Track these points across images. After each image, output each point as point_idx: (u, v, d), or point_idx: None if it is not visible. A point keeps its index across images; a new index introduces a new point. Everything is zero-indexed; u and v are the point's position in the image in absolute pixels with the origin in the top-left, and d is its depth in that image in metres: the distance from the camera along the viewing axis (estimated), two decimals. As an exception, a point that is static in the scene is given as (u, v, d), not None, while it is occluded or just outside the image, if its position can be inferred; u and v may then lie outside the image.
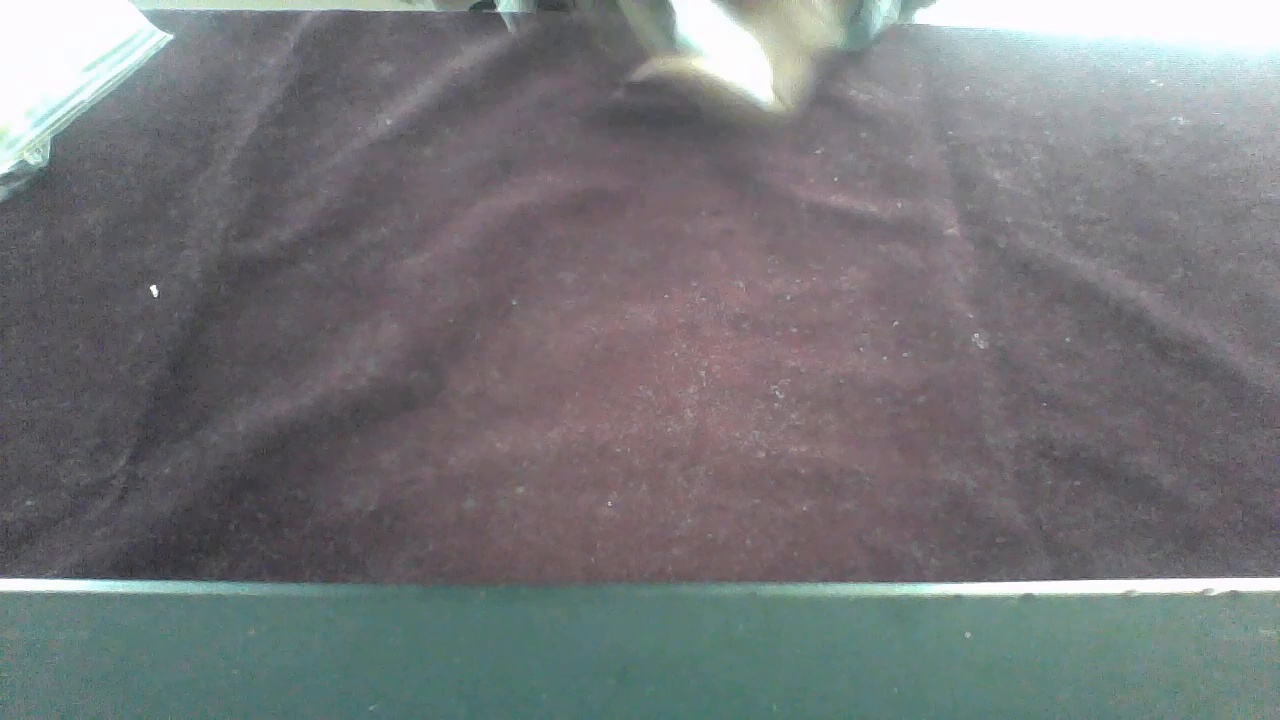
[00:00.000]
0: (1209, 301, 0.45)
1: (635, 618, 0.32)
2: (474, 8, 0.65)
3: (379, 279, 0.46)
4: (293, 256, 0.46)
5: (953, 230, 0.48)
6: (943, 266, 0.46)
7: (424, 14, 0.59)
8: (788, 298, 0.45)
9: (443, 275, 0.45)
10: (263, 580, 0.35)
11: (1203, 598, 0.32)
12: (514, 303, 0.45)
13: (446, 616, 0.32)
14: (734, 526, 0.37)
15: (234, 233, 0.47)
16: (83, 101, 0.52)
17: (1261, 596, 0.32)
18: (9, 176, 0.48)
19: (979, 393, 0.41)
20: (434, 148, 0.52)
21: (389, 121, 0.53)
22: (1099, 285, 0.45)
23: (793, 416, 0.41)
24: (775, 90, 0.47)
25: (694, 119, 0.51)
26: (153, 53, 0.56)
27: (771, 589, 0.33)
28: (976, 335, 0.44)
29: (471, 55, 0.56)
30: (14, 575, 0.35)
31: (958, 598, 0.32)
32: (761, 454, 0.39)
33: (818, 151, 0.52)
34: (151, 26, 0.56)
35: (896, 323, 0.44)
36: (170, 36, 0.56)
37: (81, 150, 0.51)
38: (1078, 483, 0.39)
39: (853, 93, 0.55)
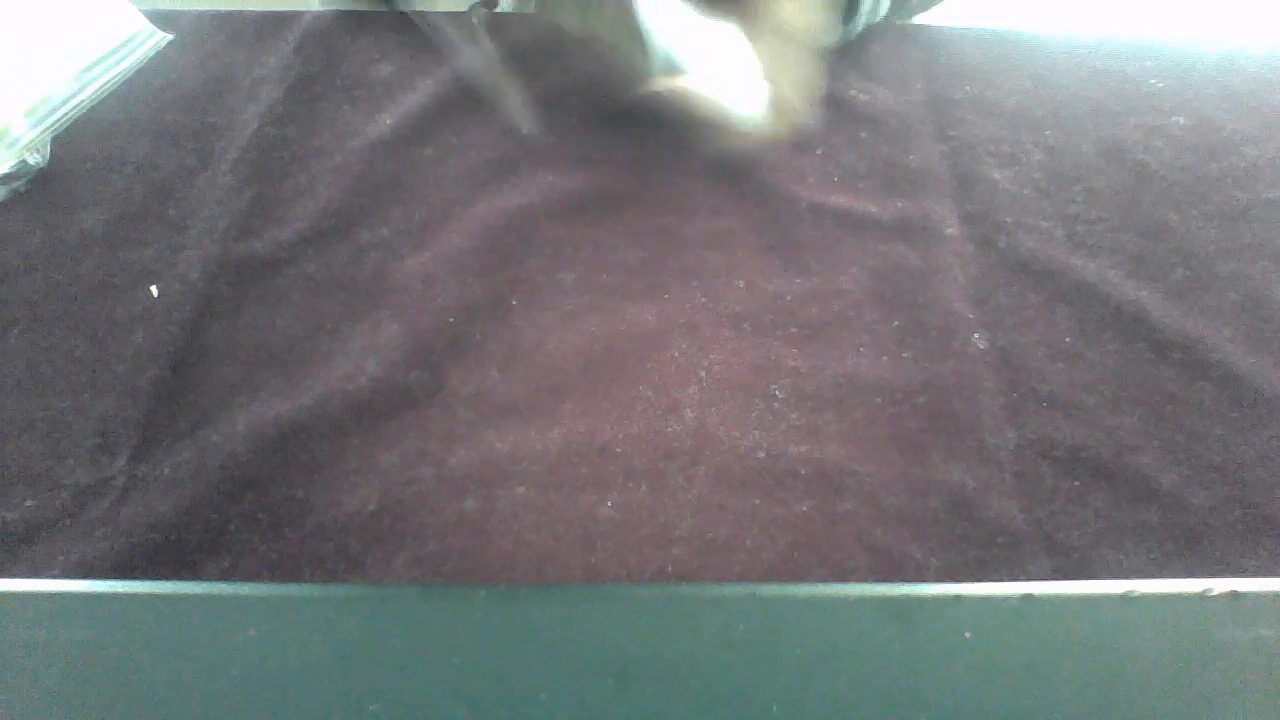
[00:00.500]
0: (1209, 301, 0.45)
1: (635, 618, 0.32)
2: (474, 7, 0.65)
3: (379, 279, 0.46)
4: (293, 256, 0.46)
5: (953, 230, 0.48)
6: (943, 266, 0.46)
7: (424, 14, 0.59)
8: (787, 298, 0.45)
9: (443, 275, 0.45)
10: (263, 580, 0.35)
11: (1203, 598, 0.32)
12: (514, 303, 0.45)
13: (446, 616, 0.31)
14: (734, 526, 0.37)
15: (234, 233, 0.47)
16: (82, 101, 0.52)
17: (1261, 596, 0.32)
18: (9, 176, 0.48)
19: (979, 393, 0.41)
20: (434, 148, 0.52)
21: (389, 121, 0.53)
22: (1099, 285, 0.45)
23: (793, 416, 0.41)
24: (780, 102, 0.47)
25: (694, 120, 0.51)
26: (153, 53, 0.56)
27: (771, 589, 0.33)
28: (976, 335, 0.44)
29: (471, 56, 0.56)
30: (14, 575, 0.35)
31: (958, 598, 0.32)
32: (761, 454, 0.39)
33: (818, 151, 0.52)
34: (151, 26, 0.56)
35: (896, 323, 0.44)
36: (170, 36, 0.57)
37: (81, 150, 0.51)
38: (1078, 483, 0.39)
39: (853, 93, 0.55)
